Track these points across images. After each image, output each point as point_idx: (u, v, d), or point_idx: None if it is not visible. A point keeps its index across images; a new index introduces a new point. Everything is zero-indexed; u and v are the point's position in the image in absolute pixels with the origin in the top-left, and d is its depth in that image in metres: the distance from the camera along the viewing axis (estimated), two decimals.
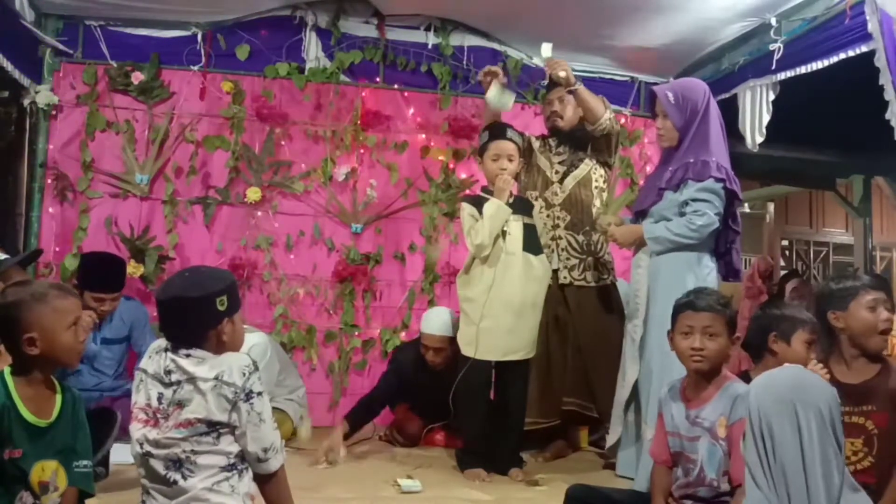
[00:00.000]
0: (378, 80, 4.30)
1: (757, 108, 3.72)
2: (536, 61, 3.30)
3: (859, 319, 2.24)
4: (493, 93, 3.23)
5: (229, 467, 1.80)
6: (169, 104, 4.05)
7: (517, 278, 3.05)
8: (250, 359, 1.83)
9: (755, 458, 1.70)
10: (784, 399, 1.68)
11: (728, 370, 2.27)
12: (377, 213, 4.23)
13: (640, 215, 3.14)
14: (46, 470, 1.78)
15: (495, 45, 4.41)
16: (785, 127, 3.77)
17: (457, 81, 4.37)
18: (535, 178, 3.52)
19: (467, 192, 4.16)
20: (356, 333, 4.16)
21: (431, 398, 3.39)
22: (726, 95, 3.83)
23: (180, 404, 1.77)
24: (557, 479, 2.98)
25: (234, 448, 1.80)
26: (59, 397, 1.85)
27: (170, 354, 1.83)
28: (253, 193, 4.05)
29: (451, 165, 4.32)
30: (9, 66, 3.54)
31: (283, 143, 4.16)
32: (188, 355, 1.82)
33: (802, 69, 3.42)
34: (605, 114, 3.36)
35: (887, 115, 2.86)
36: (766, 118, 3.69)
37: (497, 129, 3.20)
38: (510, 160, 3.13)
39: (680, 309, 2.25)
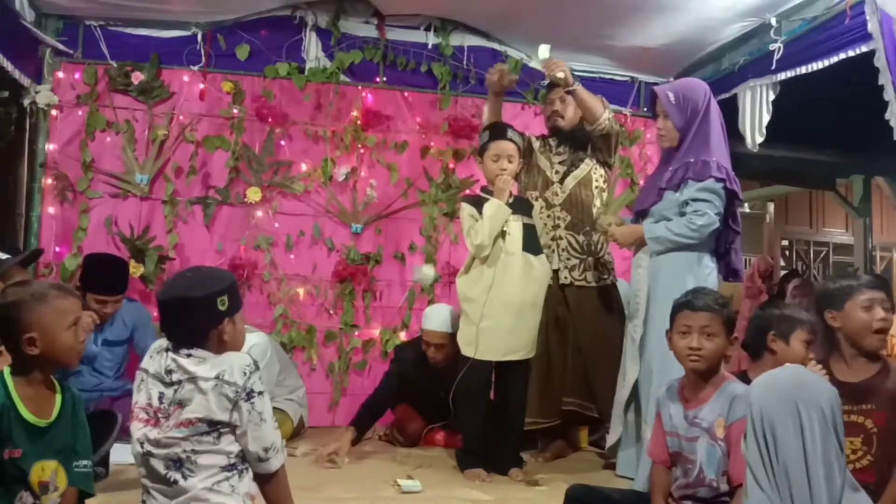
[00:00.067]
0: (378, 80, 4.31)
1: (757, 108, 3.72)
2: (534, 64, 3.30)
3: (854, 319, 2.24)
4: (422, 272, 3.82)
5: (229, 467, 1.80)
6: (169, 104, 4.05)
7: (517, 278, 3.05)
8: (251, 358, 1.83)
9: (757, 459, 1.70)
10: (787, 399, 1.68)
11: (729, 370, 2.27)
12: (377, 213, 4.23)
13: (640, 215, 3.14)
14: (46, 470, 1.78)
15: (495, 45, 4.41)
16: (785, 127, 3.77)
17: (457, 81, 4.37)
18: (536, 178, 3.52)
19: (467, 192, 4.16)
20: (356, 333, 4.16)
21: (433, 398, 3.39)
22: (726, 95, 3.83)
23: (181, 404, 1.78)
24: (557, 479, 2.97)
25: (235, 448, 1.81)
26: (58, 397, 1.85)
27: (171, 354, 1.83)
28: (253, 193, 4.06)
29: (451, 165, 4.32)
30: (9, 66, 3.54)
31: (283, 143, 4.16)
32: (189, 355, 1.82)
33: (802, 69, 3.42)
34: (604, 114, 3.36)
35: (887, 115, 2.86)
36: (766, 118, 3.69)
37: (498, 130, 3.20)
38: (510, 161, 3.13)
39: (678, 309, 2.25)
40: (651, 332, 2.91)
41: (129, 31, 4.04)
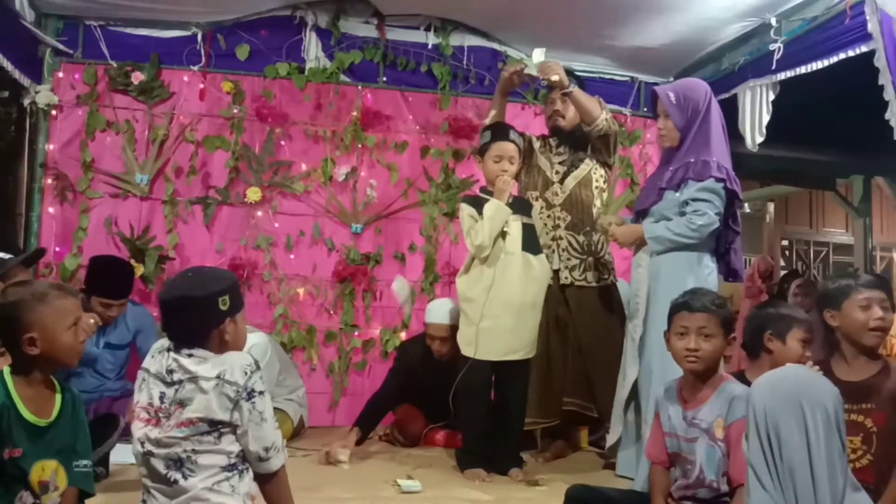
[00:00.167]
0: (378, 80, 4.30)
1: (757, 108, 3.72)
2: (529, 70, 3.30)
3: (851, 318, 2.24)
4: (402, 292, 3.85)
5: (230, 467, 1.80)
6: (169, 104, 4.06)
7: (517, 278, 3.05)
8: (252, 358, 1.83)
9: (760, 459, 1.70)
10: (791, 398, 1.68)
11: (729, 370, 2.27)
12: (377, 213, 4.23)
13: (640, 215, 3.14)
14: (46, 469, 1.78)
15: (495, 45, 4.42)
16: (785, 127, 3.77)
17: (457, 81, 4.37)
18: (536, 178, 3.52)
19: (467, 192, 4.16)
20: (356, 333, 4.16)
21: (436, 397, 3.38)
22: (726, 95, 3.83)
23: (182, 403, 1.78)
24: (557, 479, 2.97)
25: (235, 448, 1.80)
26: (58, 397, 1.85)
27: (172, 354, 1.83)
28: (253, 193, 4.06)
29: (451, 165, 4.32)
30: (9, 66, 3.54)
31: (283, 143, 4.16)
32: (190, 355, 1.82)
33: (802, 69, 3.42)
34: (602, 115, 3.36)
35: (887, 115, 2.86)
36: (766, 118, 3.69)
37: (500, 131, 3.20)
38: (511, 162, 3.14)
39: (675, 309, 2.25)
40: (651, 332, 2.91)
41: (129, 31, 4.04)
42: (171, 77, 4.06)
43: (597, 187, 3.50)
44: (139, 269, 3.84)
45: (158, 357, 1.86)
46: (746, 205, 8.08)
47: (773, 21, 3.61)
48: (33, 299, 1.78)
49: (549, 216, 3.45)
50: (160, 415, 1.80)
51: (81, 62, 3.98)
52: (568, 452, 3.51)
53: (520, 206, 3.20)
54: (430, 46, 4.34)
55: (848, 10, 3.08)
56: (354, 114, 4.22)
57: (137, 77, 3.98)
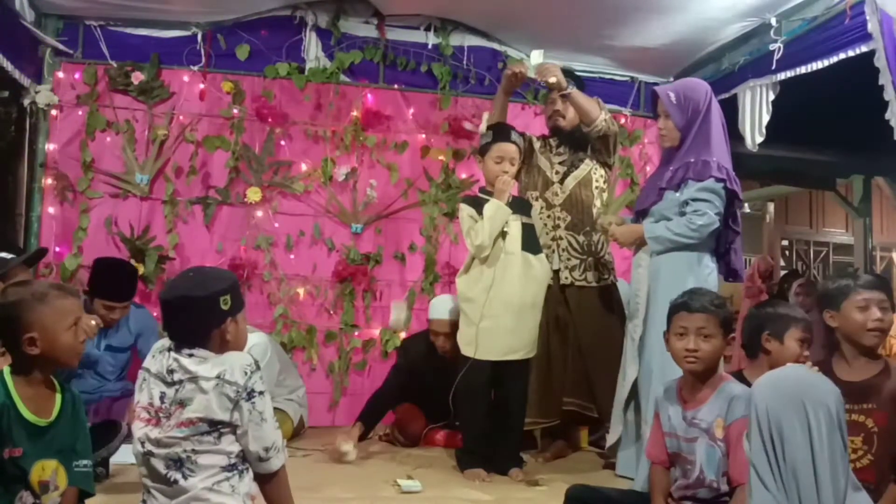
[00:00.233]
0: (378, 80, 4.31)
1: (757, 108, 3.72)
2: (528, 72, 3.30)
3: (850, 319, 2.25)
4: (399, 315, 3.94)
5: (230, 467, 1.80)
6: (169, 104, 4.06)
7: (517, 278, 3.05)
8: (252, 358, 1.83)
9: (762, 459, 1.69)
10: (793, 398, 1.68)
11: (729, 370, 2.27)
12: (377, 213, 4.23)
13: (640, 215, 3.14)
14: (46, 469, 1.78)
15: (495, 45, 4.42)
16: (785, 127, 3.77)
17: (457, 81, 4.37)
18: (536, 178, 3.52)
19: (467, 192, 4.16)
20: (356, 333, 4.16)
21: (436, 396, 3.38)
22: (726, 95, 3.83)
23: (182, 403, 1.77)
24: (557, 479, 2.97)
25: (235, 448, 1.80)
26: (58, 397, 1.85)
27: (172, 354, 1.83)
28: (253, 193, 4.06)
29: (451, 165, 4.32)
30: (9, 66, 3.54)
31: (283, 143, 4.16)
32: (191, 354, 1.82)
33: (802, 69, 3.42)
34: (601, 115, 3.36)
35: (887, 115, 2.86)
36: (766, 118, 3.70)
37: (501, 131, 3.20)
38: (512, 163, 3.15)
39: (674, 310, 2.25)
40: (651, 332, 2.91)
41: (129, 31, 4.05)
42: (171, 77, 4.06)
43: (597, 187, 3.50)
44: (139, 270, 3.83)
45: (159, 357, 1.86)
46: (746, 205, 8.09)
47: (773, 21, 3.61)
48: (33, 299, 1.78)
49: (549, 216, 3.45)
50: (160, 415, 1.80)
51: (81, 62, 3.98)
52: (568, 452, 3.51)
53: (519, 206, 3.21)
54: (430, 46, 4.34)
55: (848, 10, 3.08)
56: (354, 114, 4.22)
57: (137, 77, 3.98)
